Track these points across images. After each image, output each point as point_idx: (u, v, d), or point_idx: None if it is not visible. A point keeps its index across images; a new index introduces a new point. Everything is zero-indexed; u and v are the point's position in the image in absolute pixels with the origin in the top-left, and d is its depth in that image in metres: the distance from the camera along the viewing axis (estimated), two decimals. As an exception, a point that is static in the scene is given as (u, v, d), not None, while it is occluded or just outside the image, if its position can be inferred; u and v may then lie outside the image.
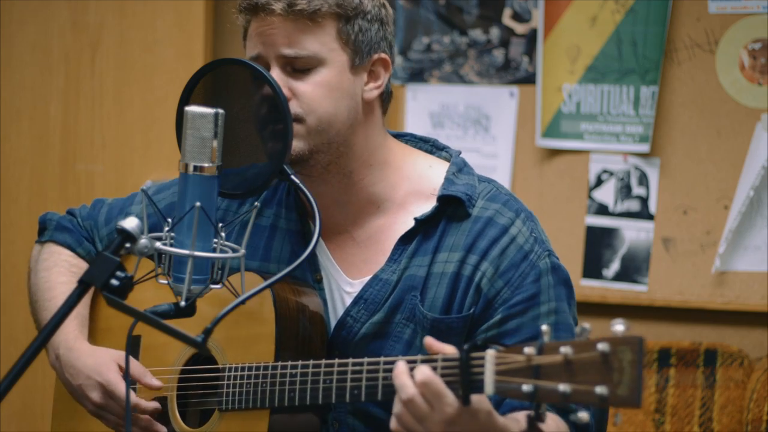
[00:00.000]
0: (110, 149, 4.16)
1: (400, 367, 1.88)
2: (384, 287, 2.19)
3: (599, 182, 3.87)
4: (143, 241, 1.79)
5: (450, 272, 2.16)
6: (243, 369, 2.17)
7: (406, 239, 2.19)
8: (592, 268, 3.87)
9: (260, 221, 2.30)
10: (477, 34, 4.00)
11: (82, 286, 1.77)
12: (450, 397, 1.83)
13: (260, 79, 2.04)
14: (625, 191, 3.83)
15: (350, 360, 2.03)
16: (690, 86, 3.76)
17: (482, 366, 1.77)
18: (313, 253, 2.22)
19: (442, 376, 1.84)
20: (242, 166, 2.06)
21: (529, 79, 3.94)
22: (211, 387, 2.23)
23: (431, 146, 2.32)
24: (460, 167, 2.24)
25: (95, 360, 2.26)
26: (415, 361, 1.88)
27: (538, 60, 3.90)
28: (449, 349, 1.87)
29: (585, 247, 3.87)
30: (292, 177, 2.03)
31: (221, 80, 2.08)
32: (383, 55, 2.20)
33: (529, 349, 1.71)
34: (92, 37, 4.15)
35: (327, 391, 2.05)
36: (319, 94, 2.13)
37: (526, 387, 1.70)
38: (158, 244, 1.83)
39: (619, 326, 1.63)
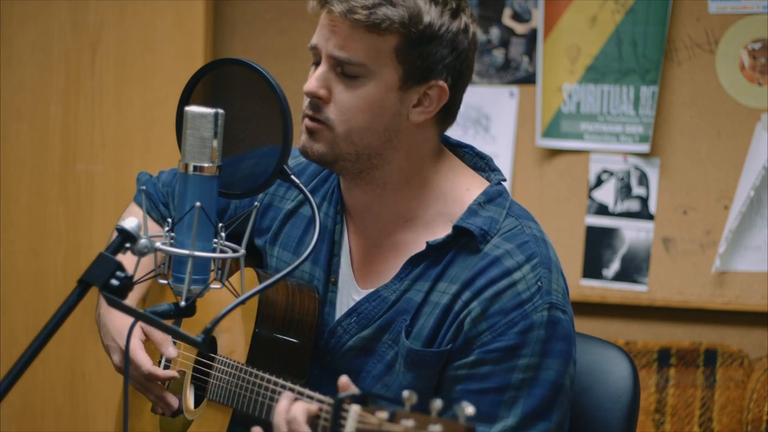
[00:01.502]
0: (110, 149, 4.16)
1: (281, 404, 1.90)
2: (380, 305, 2.16)
3: (599, 182, 3.87)
4: (143, 241, 1.79)
5: (443, 304, 2.10)
6: (225, 363, 2.18)
7: (415, 261, 2.14)
8: (592, 268, 3.87)
9: (303, 210, 2.29)
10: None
11: (82, 285, 1.77)
12: None
13: (260, 79, 2.04)
14: (625, 191, 3.83)
15: (260, 373, 2.04)
16: (690, 86, 3.76)
17: (345, 419, 1.76)
18: (334, 254, 2.23)
19: (324, 419, 1.83)
20: (243, 165, 2.06)
21: (529, 79, 3.94)
22: (207, 374, 2.25)
23: (485, 164, 2.24)
24: (491, 197, 2.15)
25: (123, 323, 2.29)
26: (303, 395, 1.89)
27: (538, 60, 3.90)
28: (352, 389, 1.83)
29: (585, 247, 3.88)
30: (292, 177, 2.03)
31: (221, 80, 2.08)
32: (441, 83, 2.10)
33: (381, 414, 1.69)
34: (92, 37, 4.15)
35: (264, 407, 2.05)
36: (356, 106, 2.07)
37: None
38: (158, 244, 1.83)
39: (467, 410, 1.60)
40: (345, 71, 2.07)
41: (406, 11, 2.04)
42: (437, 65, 2.09)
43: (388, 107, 2.08)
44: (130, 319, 2.23)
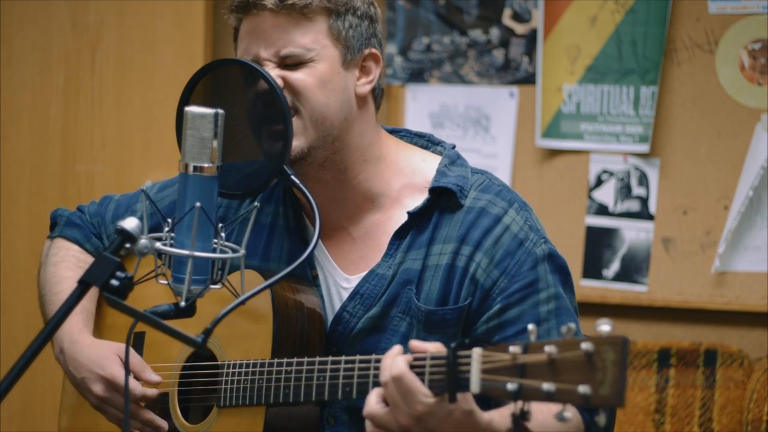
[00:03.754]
0: (110, 149, 4.16)
1: (393, 349, 1.90)
2: (380, 282, 2.19)
3: (599, 182, 3.87)
4: (143, 241, 1.79)
5: (444, 264, 2.16)
6: (240, 366, 2.18)
7: (400, 234, 2.20)
8: (592, 268, 3.87)
9: (260, 219, 2.31)
10: (477, 34, 4.00)
11: (83, 286, 1.77)
12: (420, 395, 1.84)
13: (260, 79, 2.04)
14: (625, 191, 3.83)
15: (342, 357, 2.04)
16: (690, 86, 3.76)
17: (469, 365, 1.78)
18: None
19: (431, 374, 1.84)
20: (242, 166, 2.06)
21: (529, 80, 3.94)
22: (210, 384, 2.23)
23: (426, 141, 2.33)
24: (452, 160, 2.25)
25: (98, 353, 2.27)
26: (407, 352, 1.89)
27: (538, 60, 3.90)
28: (433, 348, 1.86)
29: (585, 248, 3.87)
30: (292, 177, 2.03)
31: (221, 80, 2.08)
32: (374, 51, 2.22)
33: (514, 348, 1.71)
34: (92, 37, 4.15)
35: (320, 388, 2.06)
36: (311, 84, 2.14)
37: (510, 385, 1.70)
38: (158, 245, 1.83)
39: (604, 326, 1.63)
40: (288, 63, 2.15)
41: None
42: (363, 35, 2.20)
43: (338, 83, 2.17)
44: (105, 346, 2.25)
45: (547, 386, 1.66)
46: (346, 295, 2.23)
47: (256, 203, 2.10)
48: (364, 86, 2.21)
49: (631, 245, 3.83)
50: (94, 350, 2.28)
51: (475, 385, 1.77)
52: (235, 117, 1.99)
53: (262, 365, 2.14)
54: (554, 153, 3.91)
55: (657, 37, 3.74)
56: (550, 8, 3.87)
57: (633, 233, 3.83)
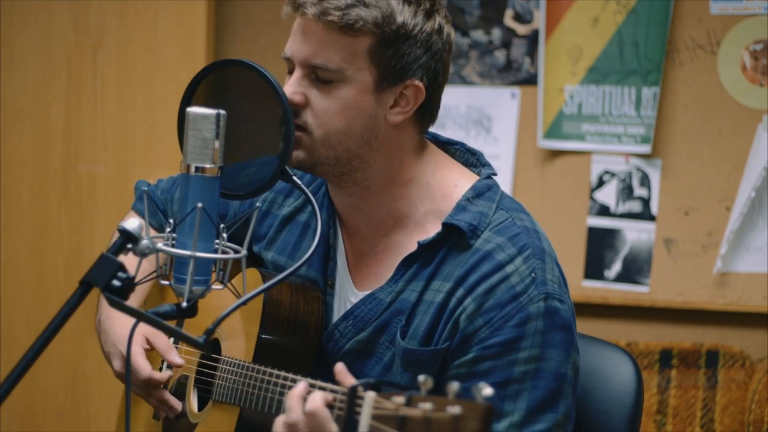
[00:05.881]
0: (112, 150, 4.16)
1: (297, 389, 1.85)
2: (376, 307, 2.15)
3: (601, 183, 3.87)
4: (145, 241, 1.79)
5: (437, 302, 2.09)
6: (230, 363, 2.18)
7: (408, 262, 2.13)
8: (594, 269, 3.87)
9: (300, 217, 2.30)
10: (478, 35, 4.00)
11: (84, 286, 1.77)
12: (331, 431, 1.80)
13: (262, 80, 2.04)
14: (626, 192, 3.83)
15: (295, 376, 2.01)
16: (691, 87, 3.76)
17: (361, 407, 1.74)
18: (330, 258, 2.23)
19: (338, 408, 1.81)
20: (244, 166, 2.06)
21: (531, 80, 3.94)
22: (210, 376, 2.25)
23: (476, 159, 2.24)
24: (479, 192, 2.15)
25: (124, 331, 2.28)
26: (315, 386, 1.86)
27: (539, 61, 3.90)
28: (350, 381, 1.81)
29: (586, 248, 3.87)
30: (294, 178, 2.03)
31: (223, 81, 2.08)
32: (417, 83, 2.10)
33: (398, 399, 1.67)
34: (94, 37, 4.15)
35: (276, 403, 2.04)
36: (332, 109, 2.07)
37: None
38: (160, 245, 1.83)
39: (484, 391, 1.59)
40: (319, 76, 2.07)
41: (379, 12, 2.05)
42: (412, 65, 2.09)
43: (364, 109, 2.08)
44: (131, 327, 2.25)
45: None
46: None
47: (258, 203, 2.09)
48: (397, 116, 2.11)
49: (632, 246, 3.83)
50: (123, 327, 2.30)
51: (363, 427, 1.72)
52: (237, 117, 1.99)
53: (243, 367, 2.14)
54: (556, 154, 3.91)
55: (659, 37, 3.74)
56: (551, 9, 3.88)
57: (635, 234, 3.83)
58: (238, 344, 2.21)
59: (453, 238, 2.11)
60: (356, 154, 2.10)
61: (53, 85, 4.17)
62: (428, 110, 2.15)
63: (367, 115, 2.09)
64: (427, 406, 1.63)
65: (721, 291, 3.73)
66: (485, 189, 2.16)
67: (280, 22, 4.47)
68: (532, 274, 2.07)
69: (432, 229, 2.13)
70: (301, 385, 1.85)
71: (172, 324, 1.85)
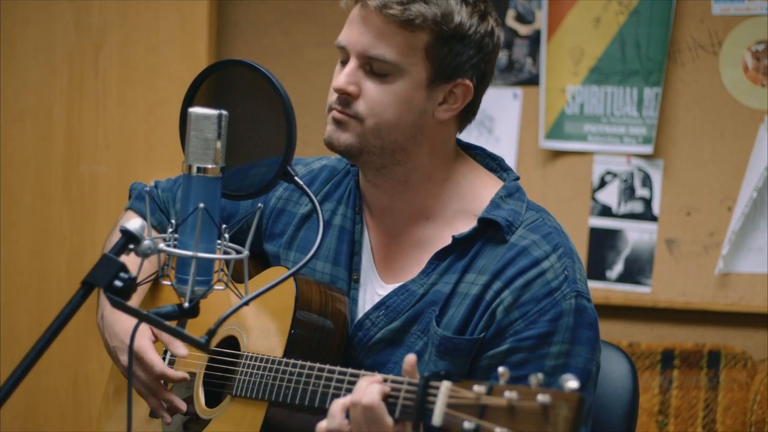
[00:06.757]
0: (114, 150, 4.16)
1: (375, 377, 1.89)
2: (409, 298, 2.18)
3: (603, 184, 3.87)
4: (147, 242, 1.79)
5: (473, 294, 2.13)
6: (254, 359, 2.19)
7: (441, 255, 2.17)
8: (596, 269, 3.87)
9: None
10: (480, 35, 4.00)
11: (86, 287, 1.77)
12: (385, 427, 1.84)
13: (264, 80, 2.03)
14: (628, 193, 3.83)
15: (337, 368, 2.04)
16: (693, 88, 3.76)
17: (436, 396, 1.77)
18: (355, 253, 2.26)
19: (404, 399, 1.84)
20: (246, 166, 2.06)
21: (533, 81, 3.94)
22: (229, 372, 2.25)
23: (497, 164, 2.29)
24: (510, 192, 2.21)
25: (131, 323, 2.28)
26: (385, 379, 1.88)
27: (541, 61, 3.90)
28: (416, 376, 1.85)
29: (588, 249, 3.87)
30: (296, 178, 2.03)
31: (225, 81, 2.08)
32: (467, 82, 2.15)
33: (479, 388, 1.70)
34: (96, 38, 4.15)
35: (313, 395, 2.06)
36: (386, 101, 2.11)
37: (467, 424, 1.70)
38: (162, 246, 1.83)
39: (569, 383, 1.62)
40: (374, 69, 2.11)
41: (438, 9, 2.09)
42: (465, 65, 2.14)
43: (416, 104, 2.13)
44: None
45: (499, 431, 1.66)
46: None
47: (260, 204, 2.09)
48: (445, 113, 2.16)
49: (634, 246, 3.83)
50: (129, 321, 2.29)
51: (437, 417, 1.76)
52: (239, 118, 1.98)
53: (272, 362, 2.15)
54: (558, 154, 3.91)
55: (660, 38, 3.74)
56: (553, 9, 3.88)
57: (636, 234, 3.83)
58: (265, 340, 2.21)
59: (488, 233, 2.16)
60: (402, 146, 2.15)
61: (55, 86, 4.17)
62: (471, 110, 2.21)
63: (418, 110, 2.13)
64: (512, 395, 1.66)
65: (723, 291, 3.73)
66: (515, 190, 2.23)
67: (281, 22, 4.48)
68: (566, 272, 2.14)
69: (462, 226, 2.18)
70: (374, 378, 1.88)
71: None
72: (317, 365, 2.08)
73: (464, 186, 2.22)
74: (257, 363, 2.19)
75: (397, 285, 2.21)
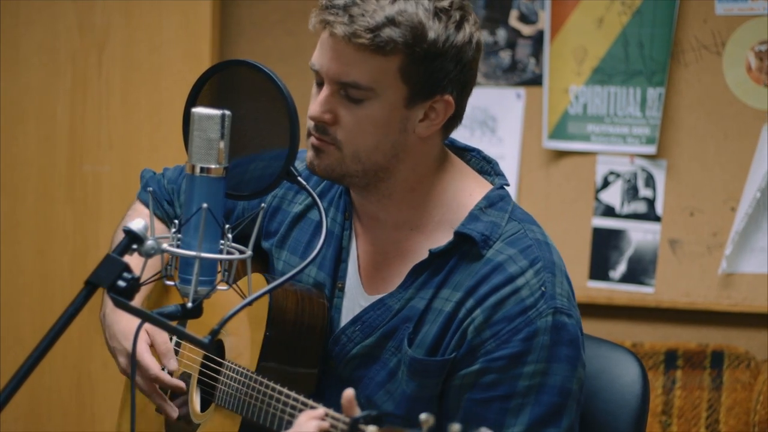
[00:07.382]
0: (117, 150, 4.16)
1: (316, 411, 1.86)
2: (384, 313, 2.15)
3: (606, 184, 3.87)
4: (150, 242, 1.79)
5: (446, 311, 2.08)
6: (234, 371, 2.18)
7: (418, 269, 2.12)
8: (599, 269, 3.87)
9: (311, 215, 2.30)
10: (483, 35, 4.00)
11: (89, 287, 1.77)
12: None
13: (267, 80, 2.03)
14: (631, 193, 3.83)
15: (293, 394, 2.02)
16: (697, 88, 3.76)
17: None
18: (342, 260, 2.23)
19: None
20: (249, 167, 2.06)
21: (536, 81, 3.94)
22: (213, 379, 2.25)
23: (491, 168, 2.23)
24: (492, 202, 2.14)
25: (129, 326, 2.29)
26: (326, 415, 1.85)
27: (544, 61, 3.90)
28: (355, 412, 1.80)
29: (591, 249, 3.87)
30: (299, 179, 2.03)
31: (228, 81, 2.08)
32: (447, 97, 2.08)
33: None
34: (99, 38, 4.15)
35: (274, 418, 2.04)
36: (363, 127, 2.06)
37: None
38: (165, 246, 1.83)
39: (454, 426, 1.58)
40: (349, 94, 2.06)
41: (409, 31, 2.02)
42: (443, 80, 2.07)
43: (394, 125, 2.08)
44: (136, 322, 2.23)
45: None
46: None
47: (263, 204, 2.10)
48: (427, 129, 2.10)
49: (637, 247, 3.83)
50: (129, 323, 2.30)
51: None
52: (242, 118, 1.98)
53: (247, 376, 2.14)
54: (561, 154, 3.91)
55: (664, 38, 3.74)
56: (556, 9, 3.87)
57: (640, 235, 3.82)
58: (242, 349, 2.21)
59: (464, 247, 2.10)
60: (383, 166, 2.11)
61: (58, 86, 4.18)
62: (455, 119, 2.15)
63: (397, 131, 2.08)
64: None
65: (726, 292, 3.73)
66: (497, 199, 2.16)
67: (285, 22, 4.47)
68: (542, 288, 2.06)
69: (443, 238, 2.12)
70: (315, 413, 1.85)
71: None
72: (278, 387, 2.06)
73: (449, 194, 2.16)
74: (235, 375, 2.17)
75: (378, 296, 2.17)
